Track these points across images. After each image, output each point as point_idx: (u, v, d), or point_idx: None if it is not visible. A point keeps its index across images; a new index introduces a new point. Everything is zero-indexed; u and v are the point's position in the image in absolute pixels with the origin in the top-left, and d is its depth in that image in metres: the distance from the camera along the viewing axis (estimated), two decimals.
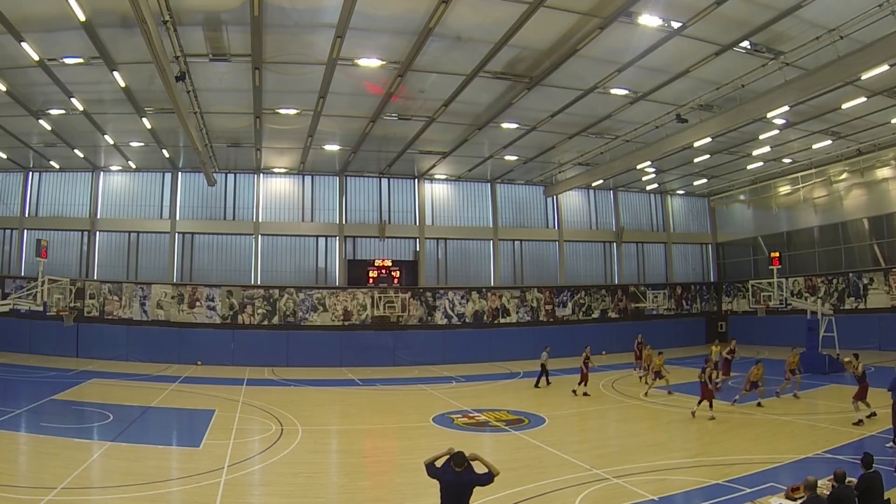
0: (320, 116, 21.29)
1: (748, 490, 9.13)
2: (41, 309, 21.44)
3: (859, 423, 13.71)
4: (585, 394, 19.21)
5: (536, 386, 21.16)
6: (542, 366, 21.51)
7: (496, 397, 19.78)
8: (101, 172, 29.95)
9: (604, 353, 28.63)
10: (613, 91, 19.51)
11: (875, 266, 28.60)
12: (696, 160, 28.55)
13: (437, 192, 32.86)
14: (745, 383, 16.88)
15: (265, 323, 29.12)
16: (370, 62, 16.85)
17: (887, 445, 11.73)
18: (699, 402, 15.17)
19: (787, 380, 17.80)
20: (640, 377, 21.43)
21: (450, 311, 31.29)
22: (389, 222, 31.61)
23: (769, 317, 27.18)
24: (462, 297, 31.57)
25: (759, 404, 16.28)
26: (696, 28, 14.93)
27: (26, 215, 29.40)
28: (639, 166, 28.37)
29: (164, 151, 26.45)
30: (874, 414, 13.86)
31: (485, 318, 31.73)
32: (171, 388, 20.10)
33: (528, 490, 9.55)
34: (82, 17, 13.49)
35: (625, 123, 22.83)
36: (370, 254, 31.33)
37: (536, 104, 20.52)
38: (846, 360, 15.71)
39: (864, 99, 20.04)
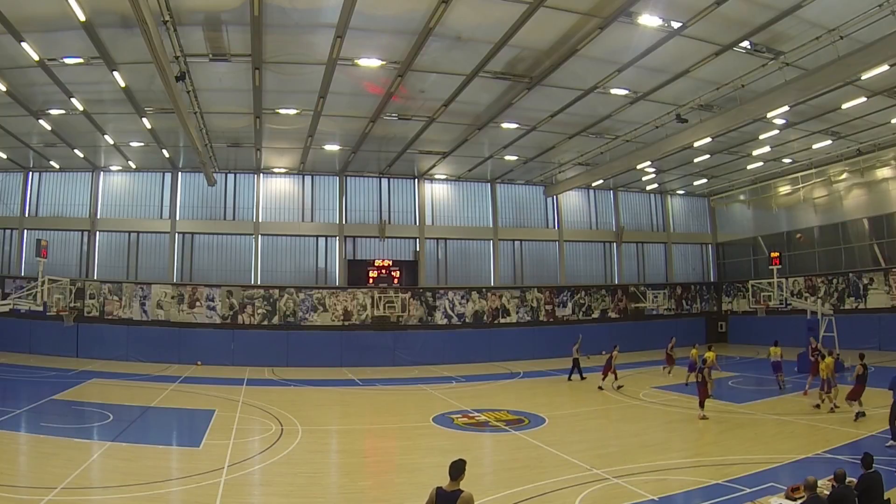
0: (320, 116, 21.28)
1: (748, 490, 9.13)
2: (41, 309, 21.45)
3: (857, 416, 13.76)
4: (619, 387, 19.93)
5: (569, 379, 22.32)
6: (575, 360, 22.57)
7: (496, 397, 19.78)
8: (101, 172, 29.95)
9: (603, 352, 28.57)
10: (613, 91, 19.51)
11: (875, 266, 28.60)
12: (696, 160, 28.54)
13: (437, 192, 32.86)
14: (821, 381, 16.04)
15: (265, 323, 29.11)
16: (370, 62, 16.84)
17: (887, 445, 11.76)
18: (701, 404, 15.14)
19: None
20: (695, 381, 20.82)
21: (450, 311, 31.29)
22: (389, 222, 31.60)
23: (769, 317, 27.18)
24: (462, 297, 31.57)
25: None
26: (696, 28, 14.92)
27: (26, 215, 29.40)
28: (639, 166, 28.36)
29: (164, 151, 26.45)
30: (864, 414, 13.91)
31: (485, 318, 31.73)
32: (171, 388, 20.10)
33: (528, 490, 9.54)
34: (82, 17, 13.49)
35: (625, 123, 22.82)
36: (370, 254, 31.33)
37: (536, 104, 20.51)
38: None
39: (864, 99, 20.04)
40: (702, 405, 15.08)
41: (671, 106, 20.46)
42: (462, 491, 5.62)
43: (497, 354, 29.90)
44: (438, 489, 5.68)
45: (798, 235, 25.34)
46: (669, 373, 22.99)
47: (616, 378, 20.41)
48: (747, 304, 30.92)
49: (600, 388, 19.95)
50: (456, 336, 30.53)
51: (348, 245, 31.35)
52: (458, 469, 5.74)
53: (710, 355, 19.02)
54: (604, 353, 27.25)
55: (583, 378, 22.39)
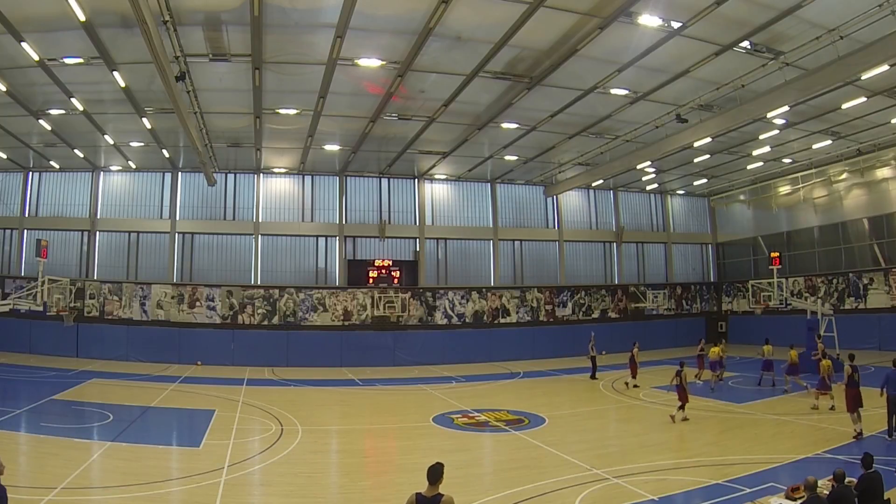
0: (320, 116, 21.28)
1: (748, 490, 9.14)
2: (41, 309, 21.46)
3: (859, 436, 12.42)
4: (635, 385, 20.16)
5: (594, 377, 22.58)
6: (593, 358, 22.81)
7: (496, 397, 19.78)
8: (101, 172, 29.95)
9: (603, 352, 28.62)
10: (613, 91, 19.50)
11: (875, 266, 28.59)
12: (696, 160, 28.53)
13: (437, 192, 32.85)
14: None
15: (265, 323, 29.11)
16: (370, 62, 16.84)
17: (890, 439, 11.85)
18: (678, 408, 14.97)
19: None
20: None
21: (450, 311, 31.28)
22: (389, 222, 31.60)
23: (769, 317, 27.19)
24: (462, 297, 31.56)
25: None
26: (696, 28, 14.92)
27: (26, 215, 29.39)
28: (639, 166, 28.36)
29: (164, 151, 26.45)
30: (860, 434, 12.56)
31: (485, 318, 31.73)
32: (171, 388, 20.11)
33: (528, 490, 9.55)
34: (82, 17, 13.49)
35: (625, 123, 22.82)
36: (370, 254, 31.33)
37: (536, 104, 20.51)
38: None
39: (864, 99, 20.03)
40: (682, 407, 14.91)
41: (671, 106, 20.45)
42: (442, 495, 5.58)
43: (497, 354, 29.90)
44: (418, 495, 5.63)
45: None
46: (698, 377, 21.25)
47: (634, 377, 20.55)
48: (747, 304, 30.92)
49: (636, 386, 20.20)
50: (456, 336, 30.52)
51: (348, 245, 31.34)
52: (436, 473, 5.69)
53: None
54: (604, 353, 27.35)
55: (595, 377, 22.47)
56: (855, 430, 12.47)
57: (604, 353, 27.64)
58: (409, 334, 30.03)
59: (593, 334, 24.07)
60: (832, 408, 15.31)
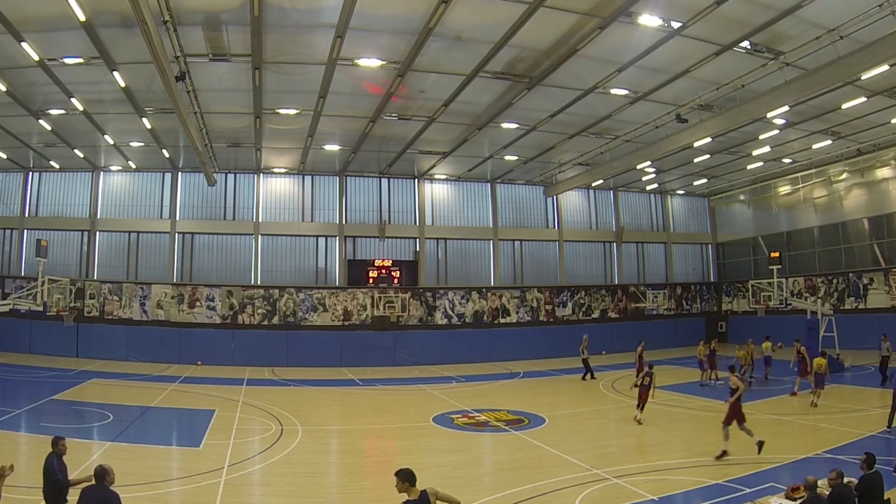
0: (320, 116, 21.28)
1: (748, 490, 9.15)
2: (41, 309, 21.48)
3: (722, 455, 11.21)
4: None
5: (583, 378, 22.36)
6: (585, 360, 22.56)
7: (496, 397, 19.78)
8: (101, 172, 29.94)
9: (603, 352, 28.64)
10: (613, 91, 19.49)
11: (875, 266, 28.58)
12: (696, 160, 28.53)
13: (437, 192, 32.85)
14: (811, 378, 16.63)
15: (265, 323, 29.11)
16: (370, 62, 16.84)
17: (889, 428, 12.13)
18: (638, 406, 14.92)
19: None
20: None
21: (450, 311, 31.28)
22: (389, 222, 31.60)
23: (769, 317, 27.19)
24: (462, 297, 31.56)
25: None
26: (696, 28, 14.91)
27: (26, 215, 29.38)
28: (639, 166, 28.33)
29: (164, 151, 26.44)
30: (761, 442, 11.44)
31: (485, 318, 31.72)
32: (171, 388, 20.10)
33: (528, 490, 9.55)
34: (82, 17, 13.48)
35: (625, 123, 22.81)
36: (370, 254, 31.33)
37: (536, 104, 20.50)
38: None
39: (864, 99, 20.01)
40: (641, 407, 14.85)
41: (671, 106, 20.44)
42: (424, 490, 5.76)
43: (497, 354, 29.88)
44: (406, 502, 5.75)
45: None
46: (712, 378, 21.21)
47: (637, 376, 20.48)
48: (747, 304, 30.91)
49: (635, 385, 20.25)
50: (456, 336, 30.51)
51: (348, 245, 31.34)
52: (412, 473, 5.86)
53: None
54: (604, 353, 27.39)
55: (586, 378, 22.36)
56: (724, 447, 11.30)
57: (603, 353, 27.64)
58: (409, 334, 30.03)
59: (586, 336, 23.79)
60: (813, 404, 15.72)
